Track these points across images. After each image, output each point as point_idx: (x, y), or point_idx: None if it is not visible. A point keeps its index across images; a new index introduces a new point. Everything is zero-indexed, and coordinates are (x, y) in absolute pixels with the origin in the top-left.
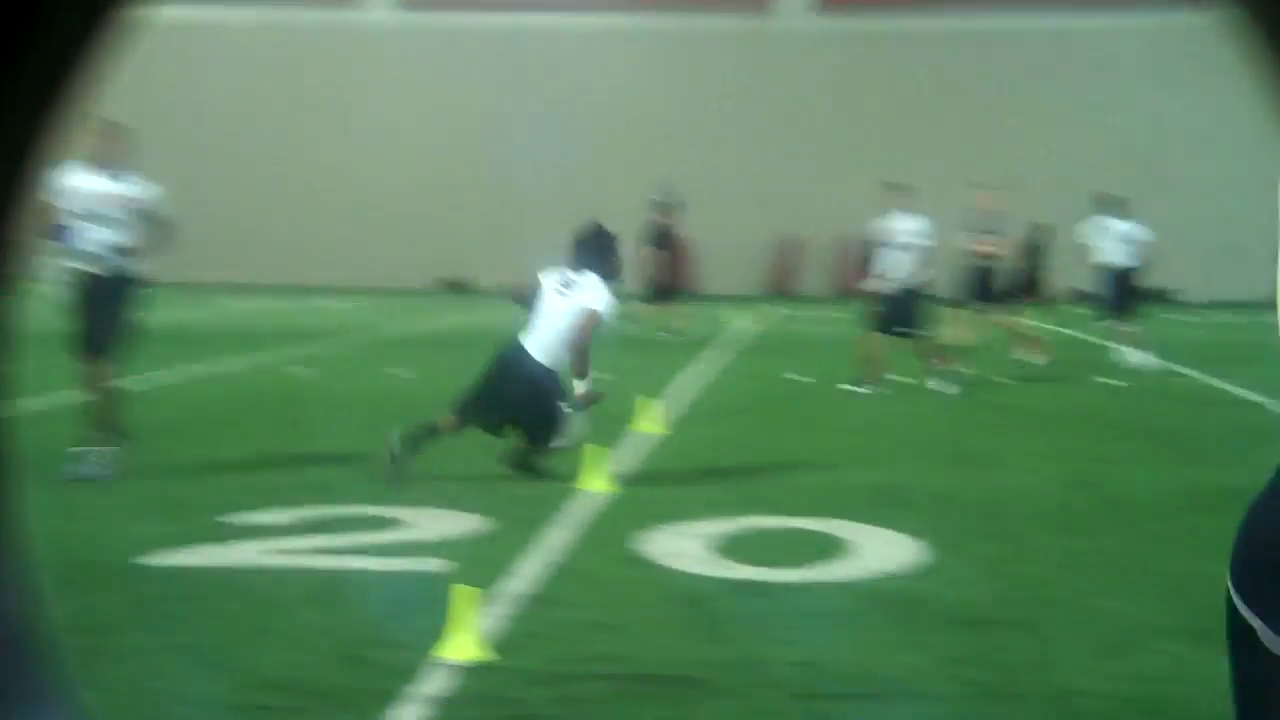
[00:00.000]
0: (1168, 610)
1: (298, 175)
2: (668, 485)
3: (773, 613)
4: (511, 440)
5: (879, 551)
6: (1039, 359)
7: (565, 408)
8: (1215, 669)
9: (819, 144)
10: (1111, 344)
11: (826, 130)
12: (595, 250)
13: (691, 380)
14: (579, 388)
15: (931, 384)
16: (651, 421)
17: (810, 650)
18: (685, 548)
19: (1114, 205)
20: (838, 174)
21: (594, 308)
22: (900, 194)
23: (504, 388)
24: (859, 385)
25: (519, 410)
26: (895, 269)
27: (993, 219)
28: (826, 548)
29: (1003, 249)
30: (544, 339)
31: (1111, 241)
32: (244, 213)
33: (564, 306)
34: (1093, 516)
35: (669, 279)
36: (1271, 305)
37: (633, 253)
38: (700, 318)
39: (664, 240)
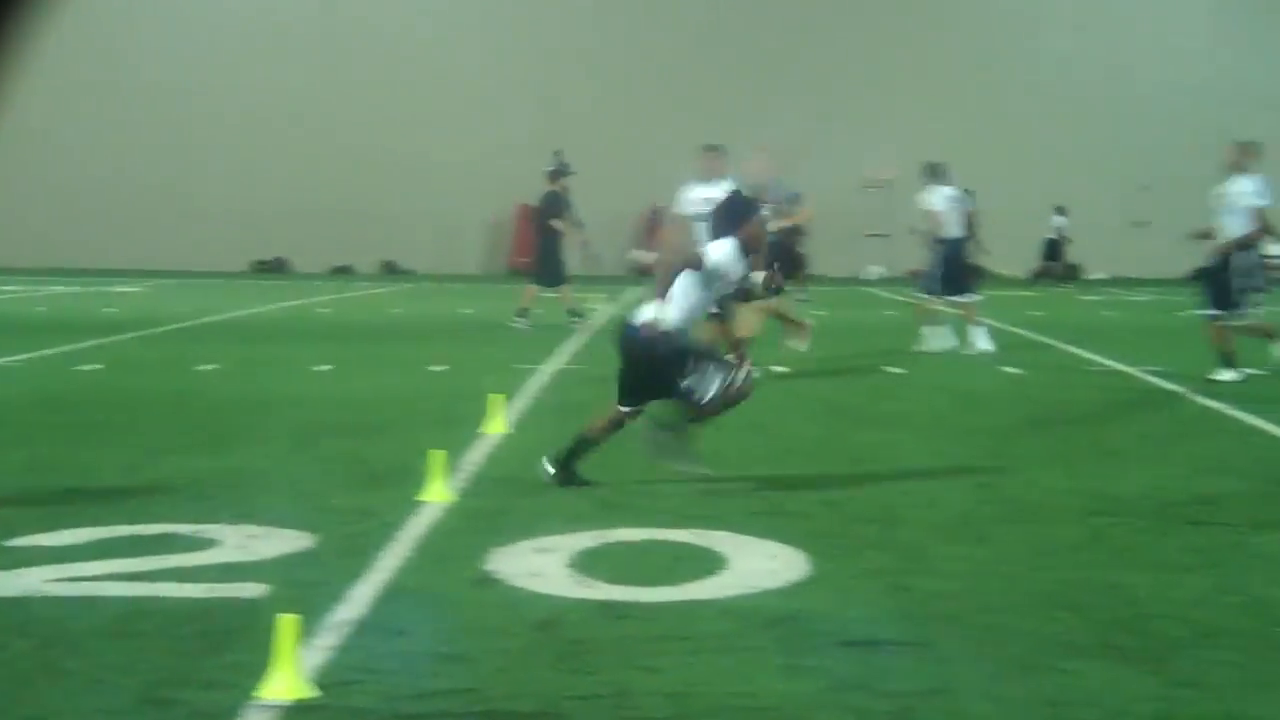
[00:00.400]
0: (1078, 625)
1: (94, 151)
2: (519, 495)
3: (640, 637)
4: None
5: (758, 566)
6: (800, 345)
7: (695, 360)
8: (1130, 688)
9: (682, 111)
10: (928, 322)
11: (688, 96)
12: (727, 216)
13: (541, 372)
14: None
15: None
16: (495, 421)
17: (682, 678)
18: (540, 565)
19: (938, 172)
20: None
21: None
22: (718, 157)
23: (628, 369)
24: None
25: (652, 384)
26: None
27: (764, 188)
28: (699, 562)
29: (802, 217)
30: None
31: (940, 212)
32: (33, 191)
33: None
34: (994, 522)
35: (564, 255)
36: (1180, 283)
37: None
38: (552, 299)
39: (558, 211)
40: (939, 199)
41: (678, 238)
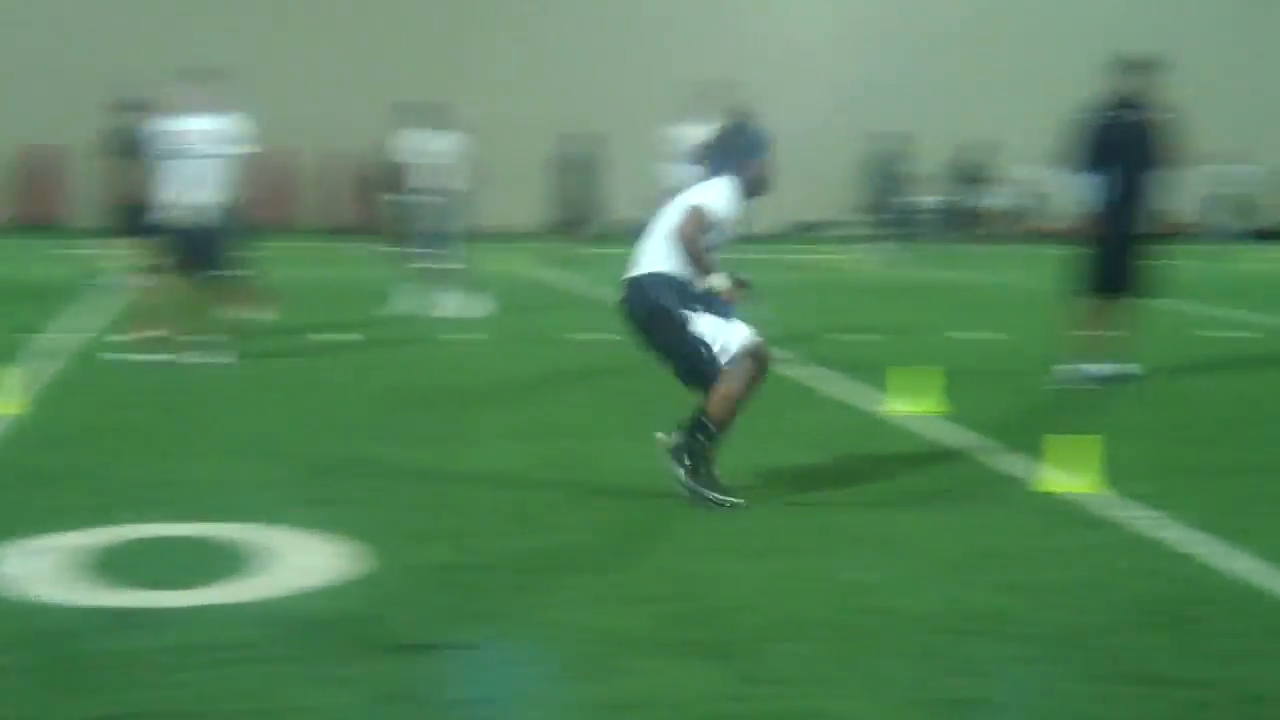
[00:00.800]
0: (646, 619)
1: None
2: (14, 486)
3: (154, 650)
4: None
5: (294, 562)
6: (263, 314)
7: (698, 314)
8: (697, 686)
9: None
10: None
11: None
12: (723, 148)
13: (62, 340)
14: (716, 284)
15: (194, 356)
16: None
17: (204, 694)
18: (35, 568)
19: (428, 114)
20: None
21: (696, 201)
22: (199, 84)
23: (635, 336)
24: (149, 351)
25: (655, 347)
26: (190, 187)
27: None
28: (226, 561)
29: None
30: (643, 249)
31: (427, 160)
32: None
33: (669, 210)
34: (561, 508)
35: (138, 201)
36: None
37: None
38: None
39: (131, 150)
40: (439, 145)
41: (131, 178)
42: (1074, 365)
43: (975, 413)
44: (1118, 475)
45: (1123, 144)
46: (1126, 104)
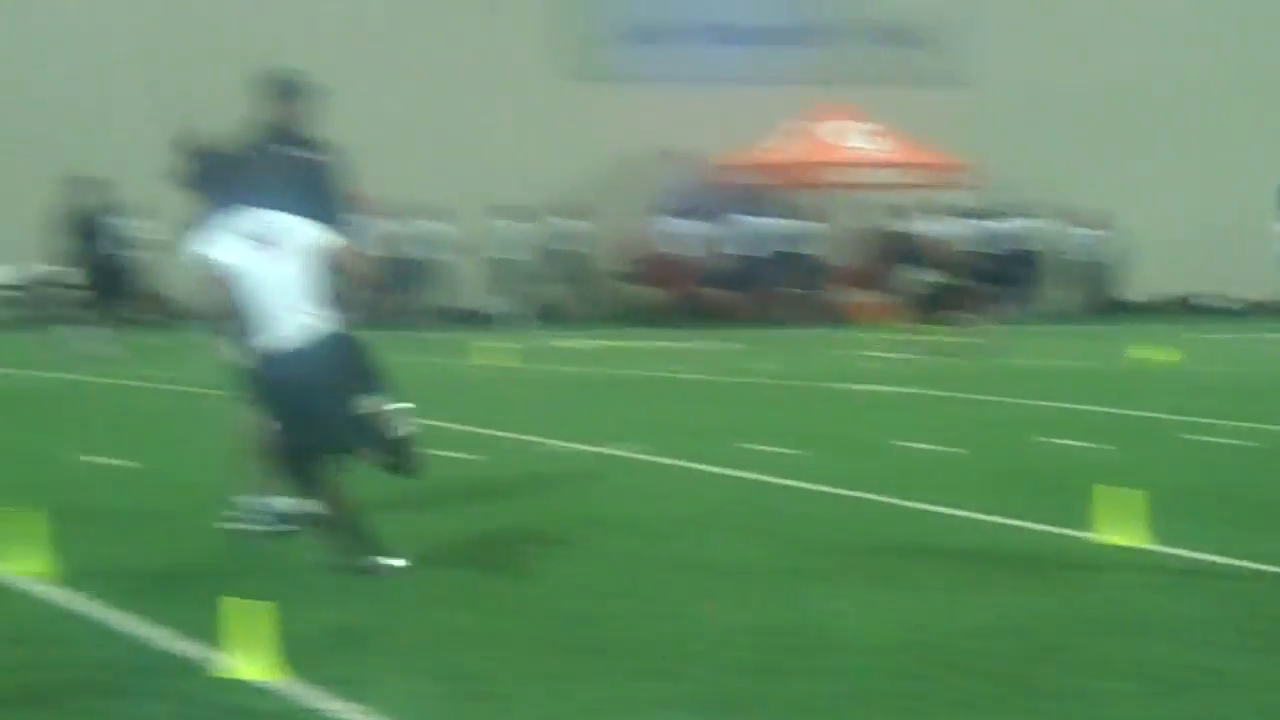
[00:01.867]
0: None
1: None
2: None
3: None
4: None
5: None
6: None
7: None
8: None
9: None
10: None
11: None
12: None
13: None
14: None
15: None
16: None
17: None
18: None
19: None
20: None
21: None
22: None
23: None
24: None
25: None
26: None
27: None
28: None
29: None
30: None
31: None
32: None
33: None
34: None
35: None
36: None
37: None
38: None
39: None
40: None
41: None
42: (257, 498)
43: (108, 570)
44: (299, 653)
45: (279, 185)
46: (281, 137)
